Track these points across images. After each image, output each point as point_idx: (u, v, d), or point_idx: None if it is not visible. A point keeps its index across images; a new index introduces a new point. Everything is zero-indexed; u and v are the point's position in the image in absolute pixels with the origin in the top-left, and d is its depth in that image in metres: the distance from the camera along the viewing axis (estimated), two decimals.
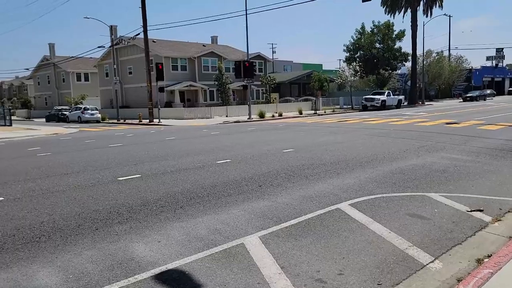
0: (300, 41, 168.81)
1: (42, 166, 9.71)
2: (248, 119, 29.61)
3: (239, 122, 27.92)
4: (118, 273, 3.68)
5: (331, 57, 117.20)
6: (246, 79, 29.60)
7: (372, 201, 6.25)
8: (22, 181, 7.80)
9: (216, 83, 37.24)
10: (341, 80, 41.17)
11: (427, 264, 4.12)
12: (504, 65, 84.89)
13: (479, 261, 4.21)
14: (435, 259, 4.25)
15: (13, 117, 53.82)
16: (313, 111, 37.10)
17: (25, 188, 7.10)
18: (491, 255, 4.37)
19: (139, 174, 8.06)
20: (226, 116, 33.61)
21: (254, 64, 31.91)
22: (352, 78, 42.70)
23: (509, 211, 5.79)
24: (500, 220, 5.45)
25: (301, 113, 34.75)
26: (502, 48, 78.54)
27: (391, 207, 5.96)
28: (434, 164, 8.98)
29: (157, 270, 3.75)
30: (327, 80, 36.90)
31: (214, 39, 49.02)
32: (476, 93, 53.40)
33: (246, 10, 29.65)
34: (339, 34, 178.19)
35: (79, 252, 4.15)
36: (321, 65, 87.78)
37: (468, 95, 52.62)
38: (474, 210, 5.83)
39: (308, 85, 43.57)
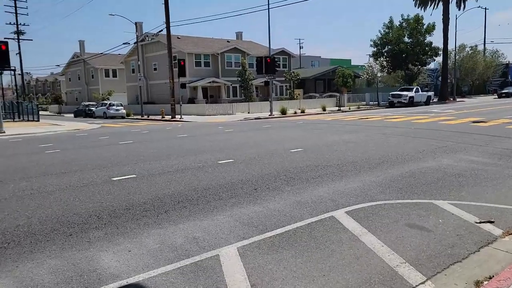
0: (329, 36, 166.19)
1: (44, 164, 9.76)
2: (269, 115, 29.25)
3: (259, 118, 27.61)
4: (73, 286, 3.48)
5: (361, 52, 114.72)
6: (268, 75, 29.21)
7: (372, 208, 5.81)
8: (18, 179, 7.81)
9: (239, 79, 37.02)
10: (367, 76, 40.02)
11: (416, 286, 3.70)
12: None
13: (478, 284, 3.75)
14: (427, 279, 3.82)
15: (45, 112, 55.87)
16: (337, 108, 36.28)
17: (17, 187, 7.08)
18: (493, 276, 3.90)
19: (135, 174, 7.91)
20: (248, 113, 33.37)
21: (276, 59, 31.44)
22: (380, 73, 41.46)
23: None
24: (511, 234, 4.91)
25: (324, 110, 34.04)
26: None
27: (391, 216, 5.51)
28: (449, 167, 8.37)
29: (116, 285, 3.51)
30: (351, 76, 35.94)
31: (239, 35, 48.82)
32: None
33: (268, 3, 29.19)
34: (369, 28, 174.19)
35: (42, 261, 3.98)
36: (350, 60, 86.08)
37: (503, 91, 50.06)
38: (483, 222, 5.30)
39: (333, 81, 42.67)
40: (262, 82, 34.18)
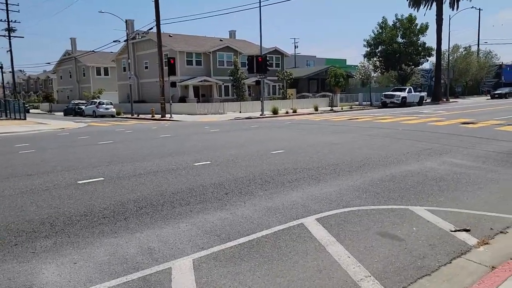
0: (325, 35, 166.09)
1: (12, 165, 9.41)
2: (260, 115, 28.98)
3: (250, 118, 27.33)
4: None
5: (357, 52, 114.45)
6: (259, 75, 28.92)
7: (344, 215, 5.55)
8: None
9: (231, 78, 36.71)
10: (360, 76, 39.84)
11: None
12: None
13: None
14: None
15: (36, 111, 55.29)
16: (329, 108, 36.07)
17: None
18: None
19: (103, 177, 7.59)
20: (240, 112, 33.09)
21: (269, 59, 31.13)
22: (374, 74, 41.32)
23: (501, 232, 4.98)
24: (487, 243, 4.66)
25: (316, 110, 33.81)
26: None
27: (363, 224, 5.25)
28: (432, 170, 8.13)
29: None
30: (343, 75, 35.70)
31: (232, 34, 48.46)
32: (505, 90, 50.74)
33: (260, 1, 28.88)
34: (365, 28, 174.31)
35: None
36: (345, 60, 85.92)
37: (496, 92, 50.09)
38: (459, 230, 5.05)
39: (326, 81, 42.44)
40: (254, 81, 33.89)
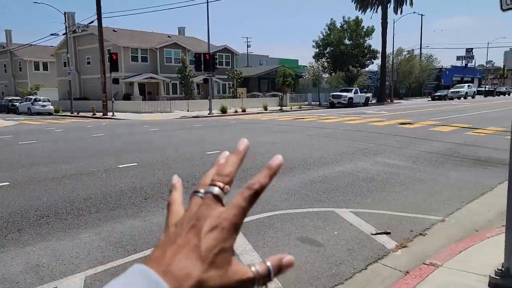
0: (278, 36, 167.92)
1: None
2: (208, 114, 28.45)
3: (198, 117, 26.74)
4: None
5: (308, 53, 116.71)
6: (207, 73, 28.37)
7: (268, 219, 5.30)
8: None
9: (179, 76, 35.79)
10: (310, 76, 40.40)
11: None
12: (475, 65, 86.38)
13: None
14: None
15: None
16: (279, 108, 36.22)
17: None
18: None
19: (8, 182, 6.84)
20: (188, 111, 32.32)
21: (217, 57, 30.63)
22: (322, 74, 42.09)
23: (420, 234, 4.94)
24: (405, 246, 4.58)
25: (266, 109, 33.79)
26: (472, 49, 79.77)
27: (284, 229, 5.02)
28: (364, 171, 8.13)
29: None
30: (291, 75, 35.97)
31: (181, 30, 47.37)
32: (445, 92, 53.63)
33: None
34: (316, 29, 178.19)
35: None
36: (297, 60, 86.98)
37: (436, 94, 52.79)
38: (379, 233, 4.96)
39: (275, 80, 42.66)
40: (203, 79, 33.26)
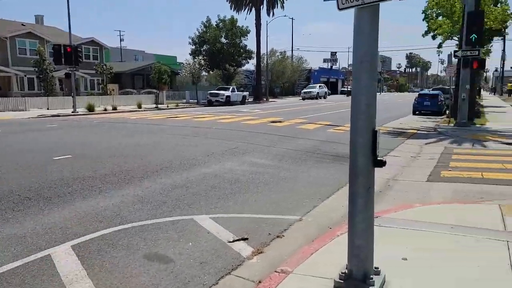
0: (156, 30, 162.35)
1: None
2: (72, 112, 25.64)
3: (59, 116, 23.85)
4: None
5: (185, 50, 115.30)
6: (69, 67, 25.52)
7: (113, 236, 4.60)
8: None
9: (36, 69, 31.54)
10: (187, 74, 39.64)
11: None
12: (340, 67, 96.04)
13: None
14: None
15: None
16: (154, 106, 34.69)
17: None
18: None
19: None
20: (48, 109, 28.68)
21: (80, 49, 27.60)
22: (201, 72, 41.62)
23: (277, 236, 4.81)
24: (261, 252, 4.37)
25: (140, 107, 31.99)
26: (336, 52, 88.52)
27: (132, 245, 4.39)
28: (230, 171, 7.90)
29: None
30: (167, 72, 34.76)
31: (39, 19, 41.94)
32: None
33: None
34: (195, 26, 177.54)
35: None
36: (175, 57, 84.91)
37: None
38: (237, 240, 4.68)
39: (149, 77, 40.82)
40: (64, 74, 29.88)
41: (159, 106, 34.58)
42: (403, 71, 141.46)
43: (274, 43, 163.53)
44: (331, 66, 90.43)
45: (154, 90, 37.62)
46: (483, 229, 4.50)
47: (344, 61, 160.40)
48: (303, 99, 49.39)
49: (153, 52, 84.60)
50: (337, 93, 74.64)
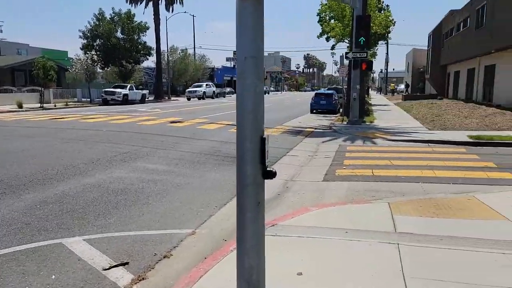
0: (44, 23, 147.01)
1: None
2: None
3: None
4: None
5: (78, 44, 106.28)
6: None
7: None
8: None
9: None
10: (77, 70, 36.29)
11: None
12: None
13: None
14: None
15: None
16: (39, 105, 31.05)
17: None
18: None
19: None
20: None
21: None
22: (96, 68, 38.52)
23: (165, 257, 4.20)
24: (144, 278, 3.73)
25: (21, 107, 28.32)
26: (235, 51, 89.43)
27: None
28: (117, 180, 7.02)
29: None
30: (54, 68, 31.34)
31: None
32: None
33: None
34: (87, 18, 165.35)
35: None
36: (66, 52, 77.61)
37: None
38: (114, 266, 3.96)
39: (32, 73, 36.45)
40: None
41: (45, 105, 31.13)
42: (301, 71, 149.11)
43: (176, 40, 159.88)
44: (234, 65, 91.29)
45: (39, 88, 33.73)
46: (375, 231, 4.46)
47: None
48: (188, 99, 45.80)
49: (40, 46, 76.37)
50: None
